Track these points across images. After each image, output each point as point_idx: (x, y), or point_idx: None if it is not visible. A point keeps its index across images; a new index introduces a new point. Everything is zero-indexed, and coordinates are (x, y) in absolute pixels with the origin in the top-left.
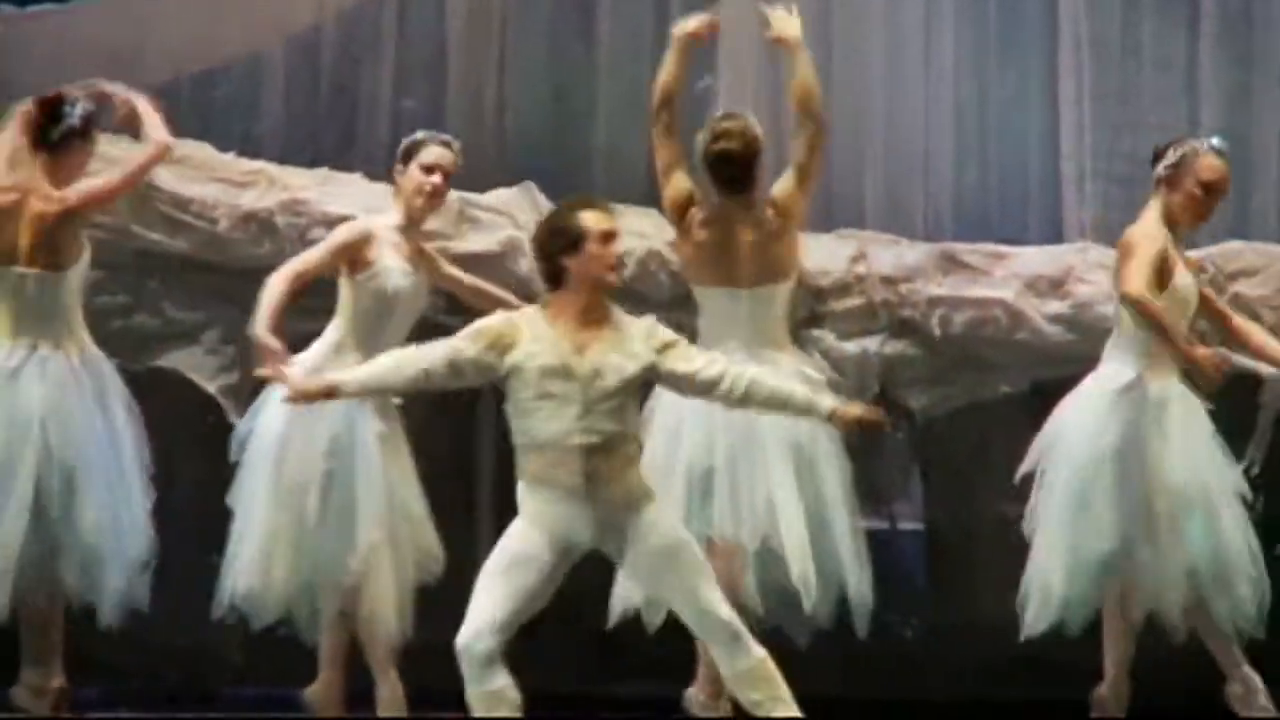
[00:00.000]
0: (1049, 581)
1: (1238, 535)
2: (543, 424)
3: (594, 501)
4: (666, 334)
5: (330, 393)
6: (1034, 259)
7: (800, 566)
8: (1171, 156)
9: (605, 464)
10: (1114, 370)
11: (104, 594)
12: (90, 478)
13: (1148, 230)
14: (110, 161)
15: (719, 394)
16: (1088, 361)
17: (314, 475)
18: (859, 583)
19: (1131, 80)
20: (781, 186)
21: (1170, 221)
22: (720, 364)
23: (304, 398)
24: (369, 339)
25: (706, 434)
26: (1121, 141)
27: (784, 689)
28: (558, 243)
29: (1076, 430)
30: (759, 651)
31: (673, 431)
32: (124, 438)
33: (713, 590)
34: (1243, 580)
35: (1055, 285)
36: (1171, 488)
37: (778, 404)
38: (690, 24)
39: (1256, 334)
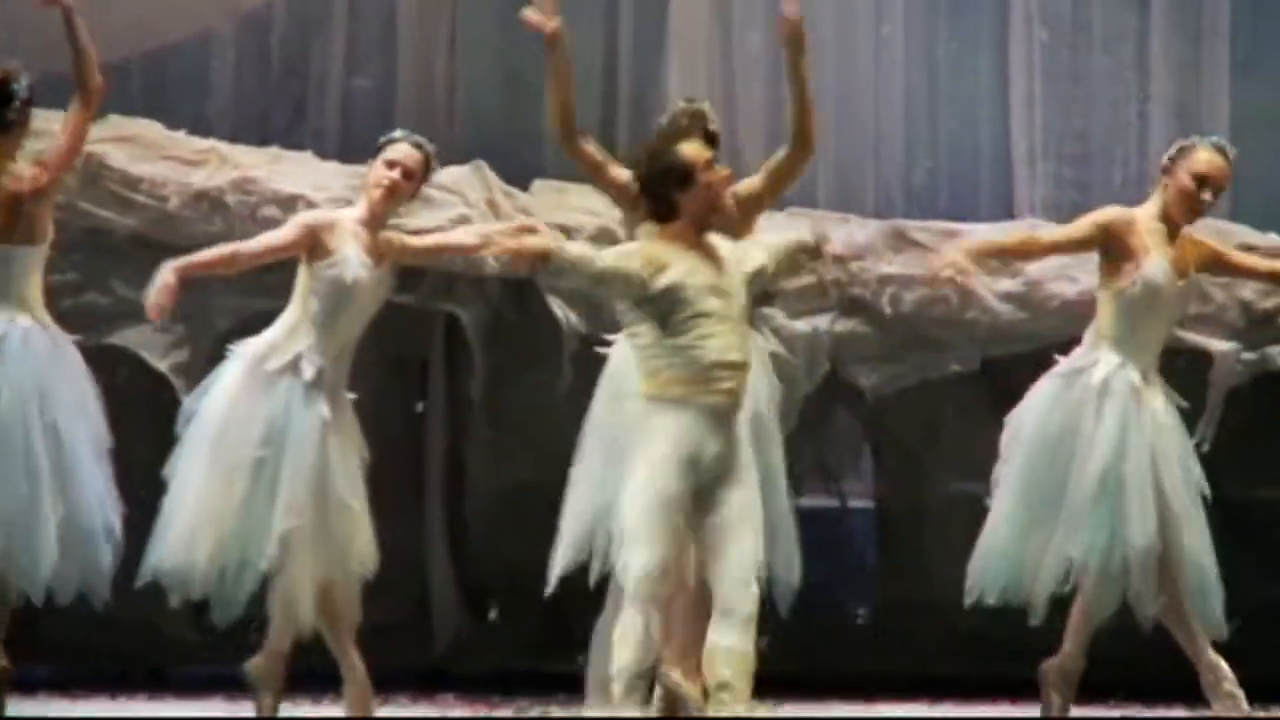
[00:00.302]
0: (991, 558)
1: (1193, 536)
2: (704, 342)
3: (729, 424)
4: (733, 244)
5: (545, 256)
6: (984, 237)
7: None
8: (1173, 149)
9: (743, 384)
10: (1078, 354)
11: (81, 572)
12: (78, 452)
13: (1122, 213)
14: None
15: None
16: (1038, 339)
17: (246, 458)
18: (789, 561)
19: (1082, 58)
20: (748, 185)
21: (1165, 215)
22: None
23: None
24: (323, 328)
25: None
26: (1072, 120)
27: (746, 691)
28: (669, 179)
29: (1032, 411)
30: (749, 644)
31: (597, 413)
32: (91, 413)
33: (754, 554)
34: (1198, 580)
35: (1005, 263)
36: (1088, 475)
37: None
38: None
39: (1255, 259)
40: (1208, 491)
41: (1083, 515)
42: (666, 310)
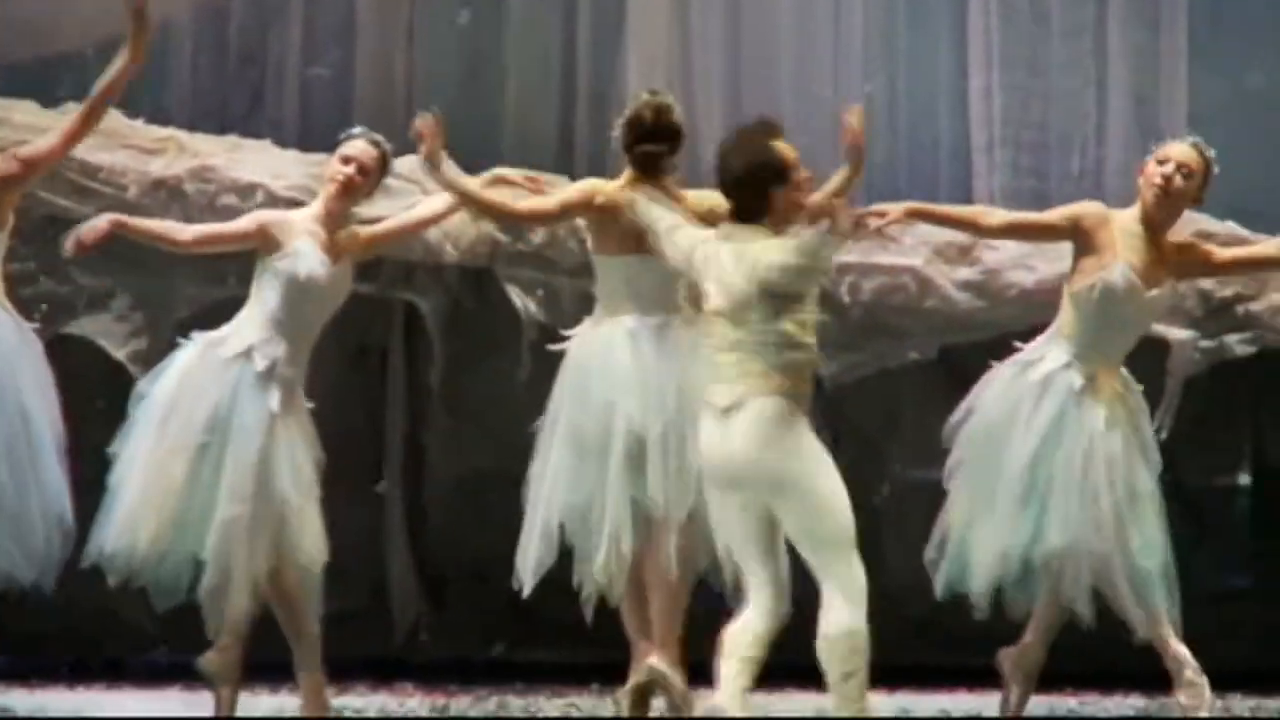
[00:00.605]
0: (940, 548)
1: (1136, 538)
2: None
3: None
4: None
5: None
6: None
7: None
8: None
9: None
10: (1033, 346)
11: (43, 560)
12: (43, 439)
13: (1093, 206)
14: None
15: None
16: (996, 328)
17: (190, 442)
18: None
19: (1040, 47)
20: None
21: (1146, 218)
22: None
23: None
24: (279, 323)
25: (642, 405)
26: (1031, 109)
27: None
28: (767, 175)
29: (978, 400)
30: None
31: (607, 401)
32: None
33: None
34: (1140, 581)
35: (964, 252)
36: (1016, 471)
37: None
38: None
39: (1240, 252)
40: (1156, 500)
41: (1011, 510)
42: (797, 308)
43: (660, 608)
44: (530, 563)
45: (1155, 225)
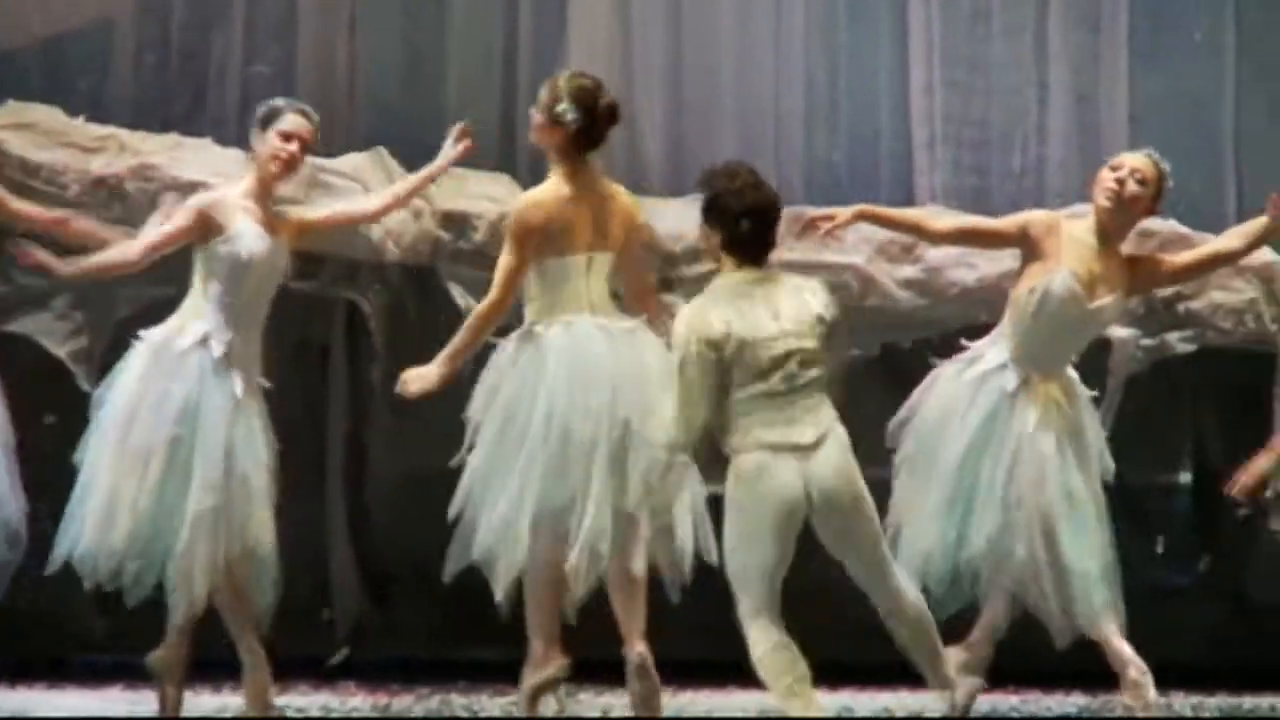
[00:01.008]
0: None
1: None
2: None
3: None
4: None
5: None
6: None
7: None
8: None
9: None
10: (977, 346)
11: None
12: None
13: (1045, 215)
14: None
15: None
16: (938, 326)
17: (160, 439)
18: (700, 547)
19: (981, 45)
20: None
21: (1100, 228)
22: None
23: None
24: (227, 307)
25: (617, 407)
26: (972, 106)
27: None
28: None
29: (919, 397)
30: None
31: (599, 402)
32: None
33: None
34: (1080, 585)
35: (906, 250)
36: (946, 471)
37: None
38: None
39: (1194, 255)
40: (1097, 502)
41: (939, 511)
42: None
43: (631, 606)
44: (503, 567)
45: (1108, 234)
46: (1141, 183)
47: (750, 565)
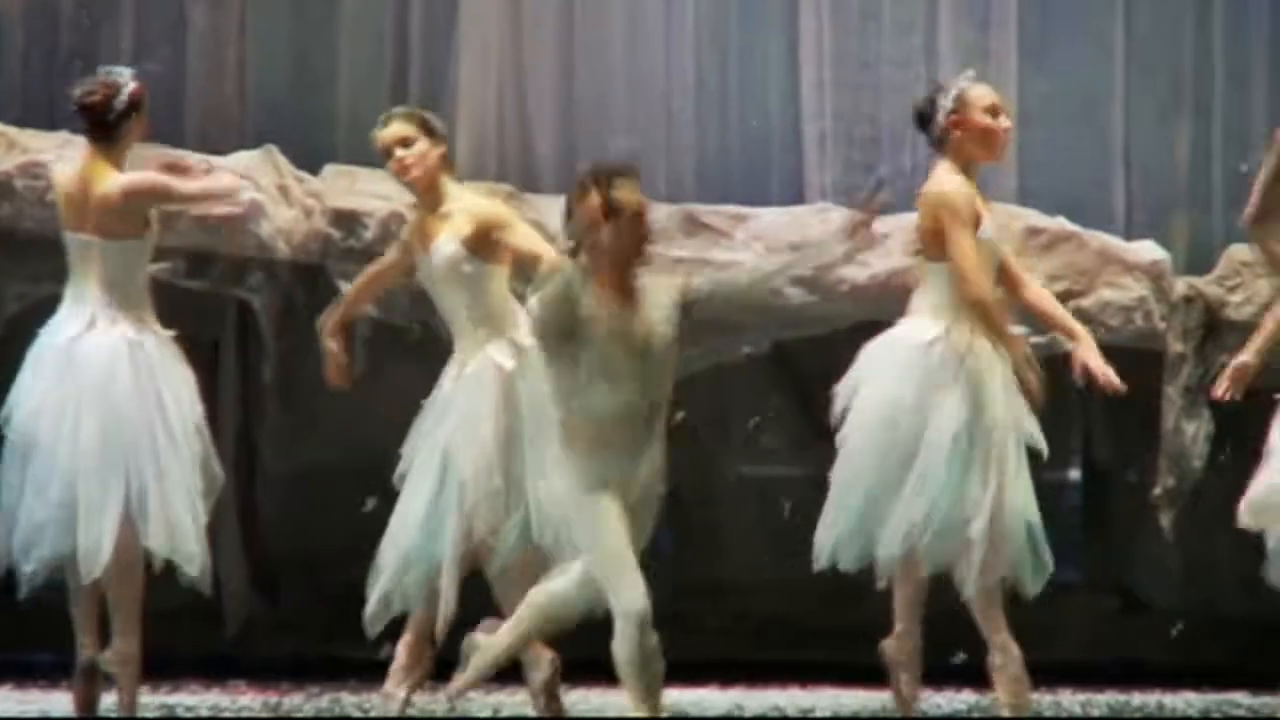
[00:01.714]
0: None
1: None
2: None
3: None
4: None
5: None
6: (775, 221)
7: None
8: (948, 101)
9: None
10: (913, 325)
11: None
12: None
13: (958, 186)
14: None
15: None
16: (828, 324)
17: (93, 434)
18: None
19: (871, 43)
20: None
21: (965, 169)
22: None
23: None
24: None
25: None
26: (862, 104)
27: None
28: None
29: (866, 379)
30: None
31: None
32: None
33: None
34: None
35: (796, 248)
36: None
37: None
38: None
39: (1047, 300)
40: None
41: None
42: None
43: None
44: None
45: (975, 166)
46: None
47: None
